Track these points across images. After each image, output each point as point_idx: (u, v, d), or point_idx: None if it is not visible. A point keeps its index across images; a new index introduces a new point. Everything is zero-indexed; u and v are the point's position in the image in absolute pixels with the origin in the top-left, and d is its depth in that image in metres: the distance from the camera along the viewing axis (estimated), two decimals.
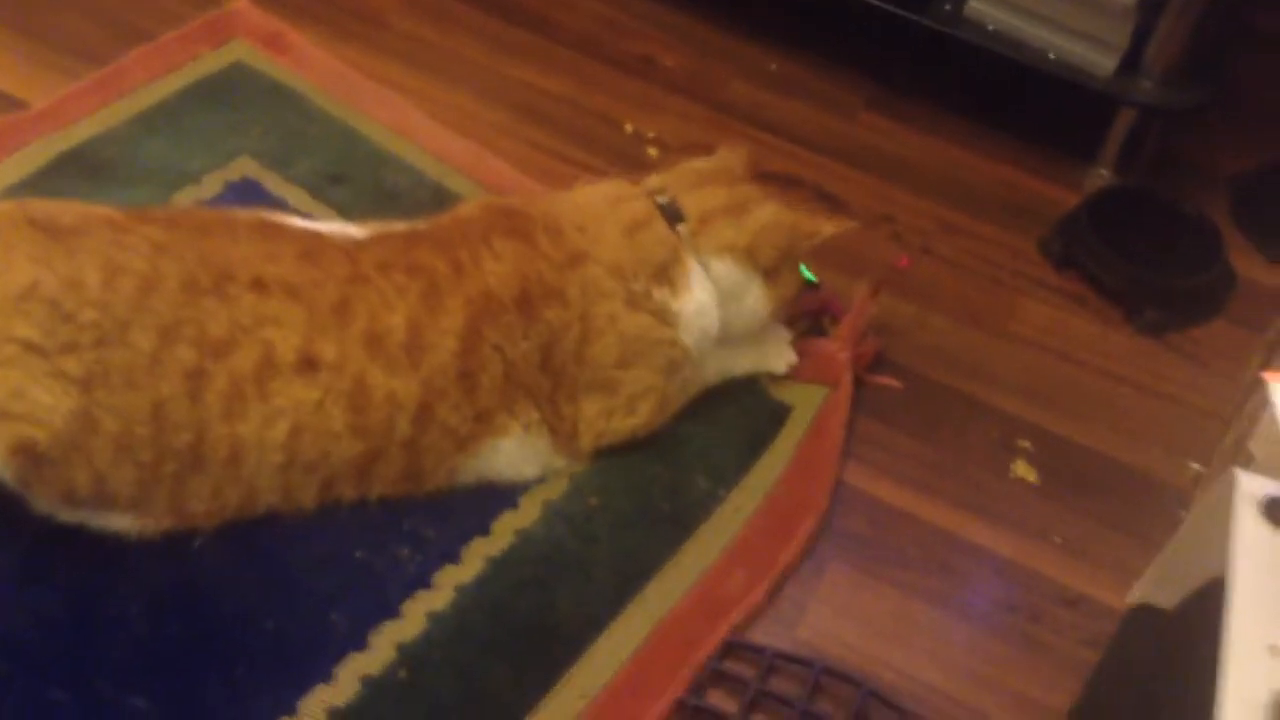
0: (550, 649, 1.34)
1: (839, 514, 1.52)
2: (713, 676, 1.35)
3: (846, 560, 1.48)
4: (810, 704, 1.33)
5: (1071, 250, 1.87)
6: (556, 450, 1.47)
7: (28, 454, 1.20)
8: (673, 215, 1.49)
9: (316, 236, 1.40)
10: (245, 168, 1.77)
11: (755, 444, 1.56)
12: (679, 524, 1.46)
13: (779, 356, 1.62)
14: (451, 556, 1.39)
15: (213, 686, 1.25)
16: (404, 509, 1.41)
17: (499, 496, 1.45)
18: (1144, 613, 1.20)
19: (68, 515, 1.28)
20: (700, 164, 1.58)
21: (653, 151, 1.96)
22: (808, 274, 1.68)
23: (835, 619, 1.42)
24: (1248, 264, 1.93)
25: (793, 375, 1.62)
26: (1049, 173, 2.04)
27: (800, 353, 1.63)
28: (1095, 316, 1.83)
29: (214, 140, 1.80)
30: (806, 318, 1.69)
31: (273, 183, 1.76)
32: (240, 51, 1.96)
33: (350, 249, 1.38)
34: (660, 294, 1.46)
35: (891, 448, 1.61)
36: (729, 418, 1.58)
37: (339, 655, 1.29)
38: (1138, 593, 1.22)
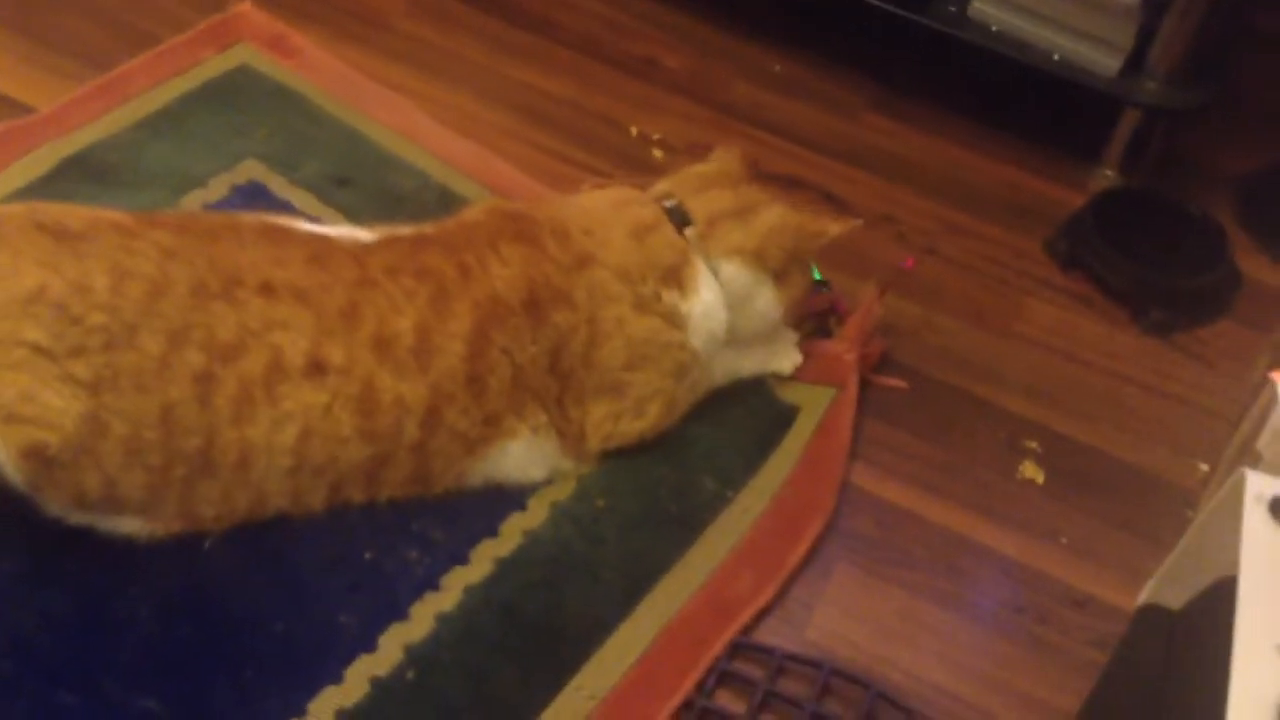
0: (558, 650, 1.34)
1: (846, 515, 1.52)
2: (721, 677, 1.35)
3: (854, 561, 1.48)
4: (819, 705, 1.33)
5: (1077, 251, 1.87)
6: (564, 453, 1.47)
7: (39, 457, 1.20)
8: (680, 219, 1.49)
9: (324, 241, 1.40)
10: (251, 171, 1.78)
11: (762, 445, 1.56)
12: (686, 525, 1.46)
13: (785, 357, 1.62)
14: (460, 558, 1.39)
15: (222, 688, 1.25)
16: (413, 511, 1.41)
17: (507, 499, 1.45)
18: (1152, 613, 1.21)
19: (78, 518, 1.28)
20: (702, 168, 1.58)
21: (658, 154, 1.96)
22: (817, 274, 1.68)
23: (843, 620, 1.43)
24: (1253, 264, 1.93)
25: (799, 376, 1.62)
26: (1053, 173, 2.03)
27: (806, 354, 1.63)
28: (1101, 317, 1.83)
29: (220, 144, 1.80)
30: (813, 318, 1.69)
31: (279, 186, 1.76)
32: (245, 55, 1.96)
33: (358, 253, 1.38)
34: (669, 296, 1.46)
35: (898, 449, 1.61)
36: (736, 419, 1.58)
37: (348, 657, 1.29)
38: (1146, 593, 1.22)
